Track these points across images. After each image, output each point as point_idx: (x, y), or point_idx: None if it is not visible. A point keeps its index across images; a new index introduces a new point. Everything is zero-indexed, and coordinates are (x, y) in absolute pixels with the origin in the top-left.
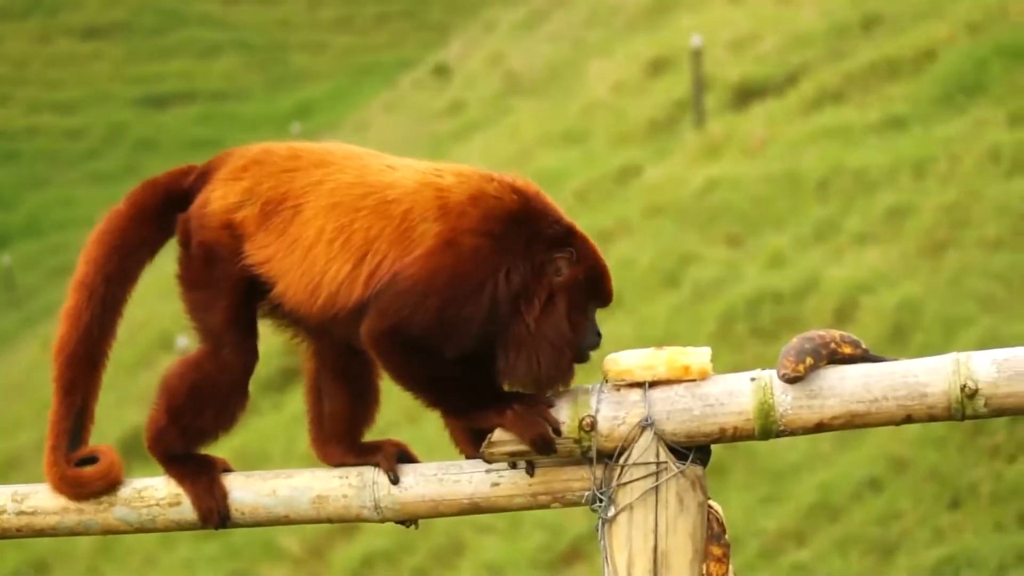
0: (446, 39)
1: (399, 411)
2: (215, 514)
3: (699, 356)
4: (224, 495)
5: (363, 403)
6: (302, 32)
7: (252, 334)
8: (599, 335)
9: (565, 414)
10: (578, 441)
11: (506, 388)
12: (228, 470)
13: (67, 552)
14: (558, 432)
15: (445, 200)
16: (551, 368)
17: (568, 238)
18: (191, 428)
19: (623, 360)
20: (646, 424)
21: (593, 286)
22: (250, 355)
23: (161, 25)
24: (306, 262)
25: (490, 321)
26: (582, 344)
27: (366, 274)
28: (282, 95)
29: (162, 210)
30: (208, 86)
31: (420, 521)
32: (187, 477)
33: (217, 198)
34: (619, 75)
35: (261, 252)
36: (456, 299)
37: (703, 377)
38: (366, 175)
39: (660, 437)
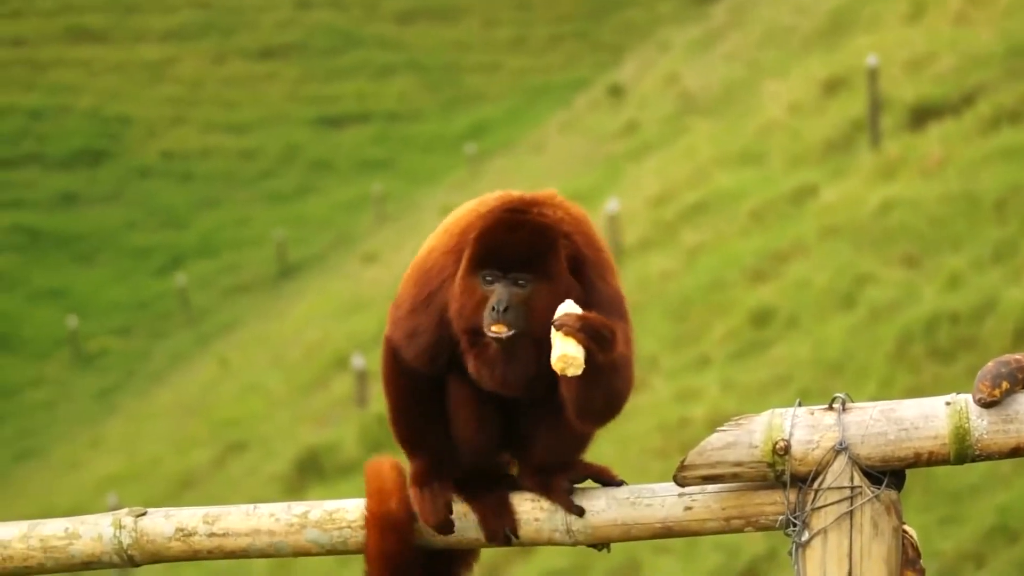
0: (620, 59)
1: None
2: (501, 533)
3: (563, 350)
4: (512, 512)
5: (560, 436)
6: (476, 53)
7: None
8: (493, 308)
9: (759, 437)
10: (771, 465)
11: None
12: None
13: (244, 569)
14: (447, 529)
15: (445, 223)
16: (481, 367)
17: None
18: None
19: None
20: (840, 448)
21: (474, 248)
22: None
23: (336, 46)
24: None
25: (444, 334)
26: (485, 324)
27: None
28: (456, 116)
29: None
30: (383, 107)
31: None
32: (475, 498)
33: None
34: (795, 95)
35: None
36: (414, 311)
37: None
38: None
39: (855, 461)
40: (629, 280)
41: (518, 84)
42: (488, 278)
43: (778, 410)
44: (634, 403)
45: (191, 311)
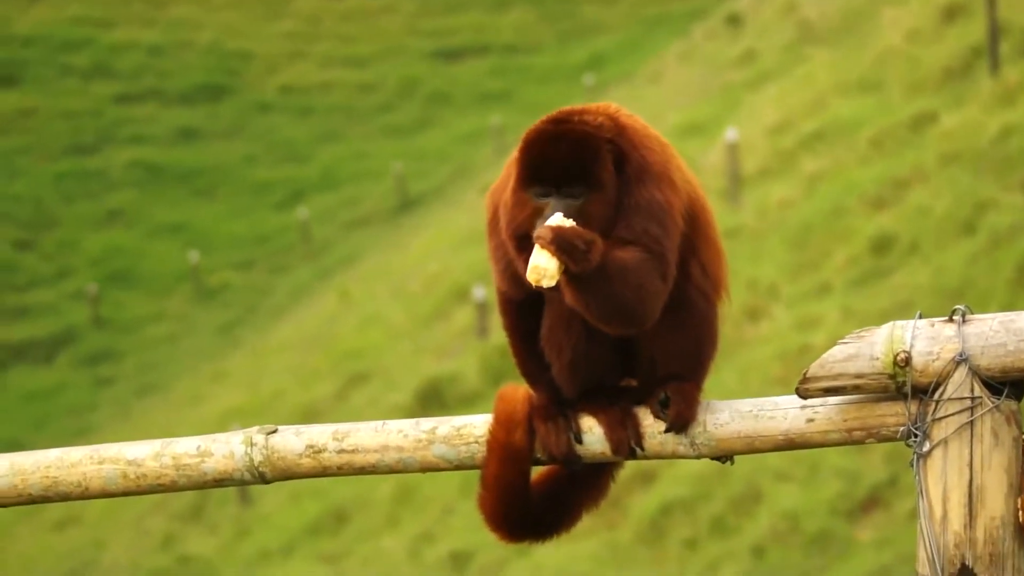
0: None
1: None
2: (626, 444)
3: (535, 260)
4: (637, 425)
5: (666, 347)
6: None
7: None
8: (546, 220)
9: (880, 349)
10: (892, 376)
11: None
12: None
13: (366, 501)
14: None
15: None
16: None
17: None
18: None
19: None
20: (960, 359)
21: (523, 162)
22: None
23: None
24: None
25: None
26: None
27: None
28: (574, 47)
29: None
30: (500, 39)
31: (717, 470)
32: (600, 411)
33: None
34: (913, 22)
35: None
36: (491, 233)
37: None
38: None
39: (975, 372)
40: (748, 208)
41: (635, 14)
42: (542, 192)
43: (899, 322)
44: (755, 331)
45: (312, 245)
